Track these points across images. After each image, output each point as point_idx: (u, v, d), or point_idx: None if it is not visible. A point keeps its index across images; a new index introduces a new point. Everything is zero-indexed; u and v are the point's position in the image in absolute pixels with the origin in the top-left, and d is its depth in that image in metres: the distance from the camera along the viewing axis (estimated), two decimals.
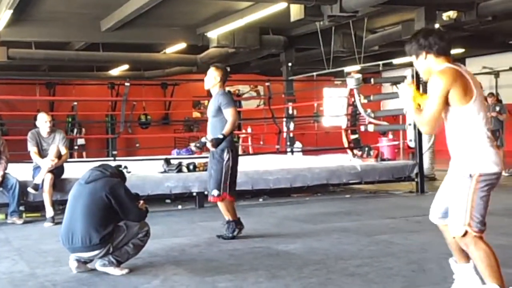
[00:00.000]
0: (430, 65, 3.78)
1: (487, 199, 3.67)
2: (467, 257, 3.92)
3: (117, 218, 5.05)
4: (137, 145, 19.03)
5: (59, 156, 7.94)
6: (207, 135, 6.55)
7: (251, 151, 16.98)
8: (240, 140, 17.78)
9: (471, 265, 3.92)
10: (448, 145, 3.81)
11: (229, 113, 6.32)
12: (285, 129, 15.48)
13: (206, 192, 8.67)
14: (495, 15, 12.90)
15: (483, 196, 3.65)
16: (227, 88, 6.75)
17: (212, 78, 6.48)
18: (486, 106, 3.79)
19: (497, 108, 13.43)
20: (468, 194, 3.64)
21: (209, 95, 6.77)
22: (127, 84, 11.13)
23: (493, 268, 3.60)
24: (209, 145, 6.27)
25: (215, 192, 6.36)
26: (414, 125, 10.49)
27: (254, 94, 24.61)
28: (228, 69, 17.97)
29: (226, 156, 6.33)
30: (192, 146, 6.78)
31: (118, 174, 5.35)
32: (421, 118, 3.73)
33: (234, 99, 6.76)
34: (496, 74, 19.14)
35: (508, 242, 5.71)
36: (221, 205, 6.47)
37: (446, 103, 3.65)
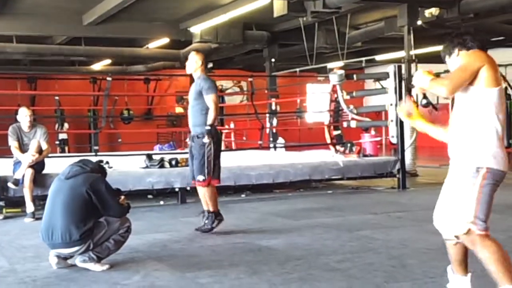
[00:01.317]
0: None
1: (492, 196, 3.46)
2: (465, 270, 3.78)
3: (98, 214, 5.02)
4: (119, 140, 18.94)
5: (40, 151, 7.88)
6: (189, 120, 6.64)
7: (234, 146, 16.96)
8: (223, 135, 17.76)
9: (468, 279, 3.77)
10: (452, 137, 3.63)
11: (210, 99, 6.39)
12: (268, 124, 15.49)
13: (187, 186, 8.73)
14: (477, 13, 13.00)
15: (489, 193, 3.45)
16: None
17: (193, 62, 6.57)
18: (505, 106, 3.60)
19: None
20: (473, 189, 3.44)
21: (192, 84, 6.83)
22: (109, 78, 11.07)
23: (505, 265, 3.38)
24: (206, 140, 6.31)
25: (201, 177, 6.41)
26: (396, 122, 10.54)
27: (237, 89, 24.58)
28: (211, 65, 17.89)
29: (208, 141, 6.38)
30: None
31: (99, 170, 5.31)
32: (442, 80, 3.54)
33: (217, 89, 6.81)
34: None
35: None
36: (205, 192, 6.48)
37: (470, 83, 3.49)
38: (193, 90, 6.60)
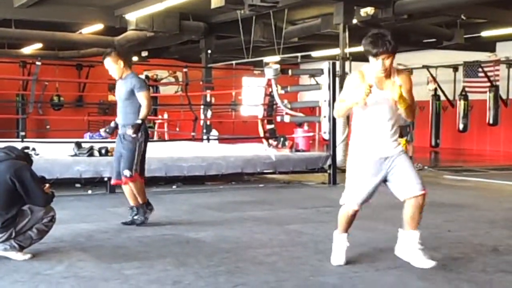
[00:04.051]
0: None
1: None
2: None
3: (21, 202, 4.87)
4: (48, 127, 18.45)
5: None
6: (117, 118, 6.48)
7: (166, 137, 16.80)
8: (156, 126, 17.55)
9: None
10: (379, 132, 4.48)
11: (143, 96, 6.25)
12: (202, 116, 15.41)
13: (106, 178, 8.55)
14: (410, 14, 13.31)
15: None
16: (145, 73, 6.66)
17: (116, 68, 6.33)
18: None
19: None
20: (412, 164, 4.60)
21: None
22: (38, 63, 10.74)
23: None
24: (130, 132, 6.17)
25: (127, 173, 6.27)
26: (329, 117, 10.66)
27: (173, 79, 24.33)
28: (146, 53, 17.47)
29: (140, 138, 6.28)
30: (102, 131, 6.66)
31: (24, 157, 5.14)
32: (411, 109, 4.45)
33: (149, 84, 6.69)
34: (410, 71, 19.80)
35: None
36: (132, 187, 6.36)
37: None
38: (122, 89, 6.35)
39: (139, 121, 6.21)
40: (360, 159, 4.54)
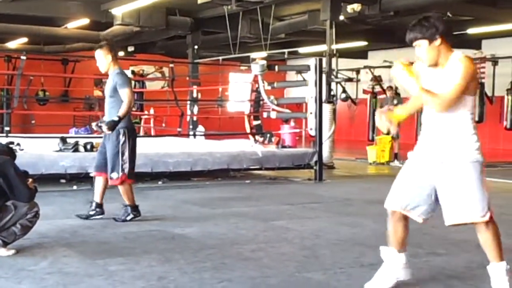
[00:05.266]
0: (441, 51, 3.71)
1: None
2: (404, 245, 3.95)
3: (5, 197, 4.82)
4: (33, 122, 18.33)
5: None
6: (105, 116, 6.46)
7: (152, 133, 16.74)
8: (142, 121, 17.49)
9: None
10: (436, 132, 3.76)
11: (124, 94, 6.20)
12: (188, 112, 15.37)
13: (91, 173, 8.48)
14: (397, 11, 13.35)
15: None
16: (131, 68, 6.63)
17: (103, 60, 6.32)
18: None
19: (395, 101, 13.89)
20: (480, 180, 3.70)
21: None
22: (23, 57, 10.65)
23: (500, 245, 3.74)
24: (104, 128, 6.15)
25: (114, 175, 6.25)
26: (316, 114, 10.67)
27: (159, 75, 24.23)
28: (132, 49, 17.38)
29: (122, 137, 6.23)
30: (94, 125, 6.64)
31: (8, 152, 5.09)
32: (437, 96, 3.62)
33: (135, 79, 6.67)
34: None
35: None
36: (120, 188, 6.35)
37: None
38: (108, 86, 6.37)
39: (115, 118, 6.14)
40: (409, 157, 3.96)
